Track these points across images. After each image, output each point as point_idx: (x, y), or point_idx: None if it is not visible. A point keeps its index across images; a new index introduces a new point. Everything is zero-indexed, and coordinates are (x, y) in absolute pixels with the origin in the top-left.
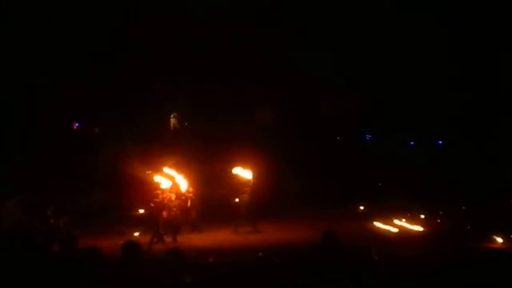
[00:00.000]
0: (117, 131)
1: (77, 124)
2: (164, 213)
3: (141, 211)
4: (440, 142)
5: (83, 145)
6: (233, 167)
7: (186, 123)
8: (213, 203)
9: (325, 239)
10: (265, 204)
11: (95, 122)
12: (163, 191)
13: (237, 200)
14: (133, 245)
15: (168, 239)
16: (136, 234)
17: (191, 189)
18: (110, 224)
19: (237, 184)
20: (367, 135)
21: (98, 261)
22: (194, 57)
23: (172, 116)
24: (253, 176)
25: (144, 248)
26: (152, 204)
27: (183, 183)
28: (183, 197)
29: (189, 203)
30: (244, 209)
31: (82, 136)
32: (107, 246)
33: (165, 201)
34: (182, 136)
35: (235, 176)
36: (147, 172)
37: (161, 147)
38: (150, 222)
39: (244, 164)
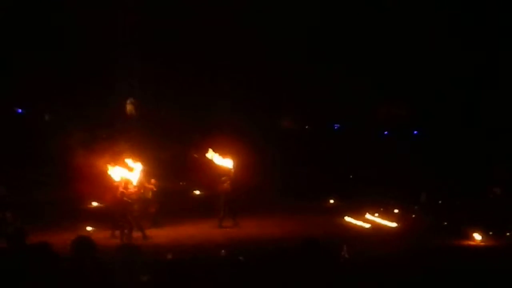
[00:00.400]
0: (68, 118)
1: (19, 111)
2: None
3: (95, 204)
4: (416, 132)
5: (31, 133)
6: (204, 156)
7: (143, 109)
8: (173, 196)
9: (305, 246)
10: (245, 196)
11: (43, 108)
12: (124, 182)
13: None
14: (85, 241)
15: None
16: (89, 229)
17: (153, 181)
18: (61, 218)
19: (214, 174)
20: (335, 124)
21: (48, 258)
22: (153, 34)
23: (128, 101)
24: (234, 165)
25: (96, 244)
26: (125, 198)
27: (142, 174)
28: (143, 189)
29: (150, 195)
30: (223, 201)
31: (30, 123)
32: (58, 241)
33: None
34: (139, 123)
35: (211, 164)
36: (108, 163)
37: (116, 135)
38: (114, 217)
39: (223, 152)
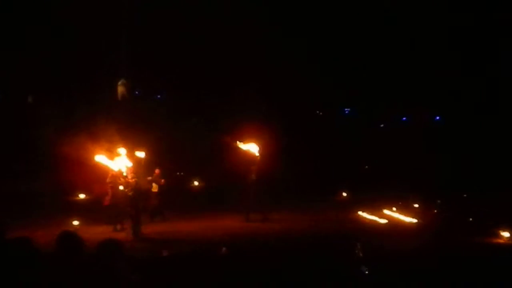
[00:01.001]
0: (55, 104)
1: None
2: (107, 199)
3: (82, 196)
4: (438, 117)
5: (14, 120)
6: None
7: (136, 92)
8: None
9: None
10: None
11: (27, 92)
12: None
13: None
14: (70, 236)
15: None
16: (75, 223)
17: (157, 171)
18: (46, 211)
19: (241, 161)
20: (346, 109)
21: (30, 254)
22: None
23: (119, 83)
24: (259, 152)
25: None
26: (127, 191)
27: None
28: (144, 181)
29: (153, 187)
30: (252, 193)
31: (13, 109)
32: (42, 236)
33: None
34: (131, 107)
35: (239, 150)
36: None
37: (108, 120)
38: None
39: (248, 137)
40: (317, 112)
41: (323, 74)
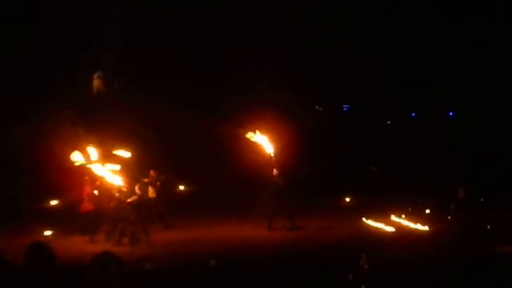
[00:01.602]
0: (23, 100)
1: None
2: (87, 205)
3: (54, 202)
4: (452, 113)
5: None
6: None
7: (115, 85)
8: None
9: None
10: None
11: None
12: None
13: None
14: (41, 248)
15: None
16: (48, 233)
17: (152, 173)
18: (15, 219)
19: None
20: (344, 106)
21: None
22: None
23: (95, 76)
24: (275, 151)
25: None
26: (132, 201)
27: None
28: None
29: (151, 193)
30: (275, 196)
31: None
32: (10, 247)
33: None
34: (109, 103)
35: (258, 148)
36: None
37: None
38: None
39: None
40: (316, 107)
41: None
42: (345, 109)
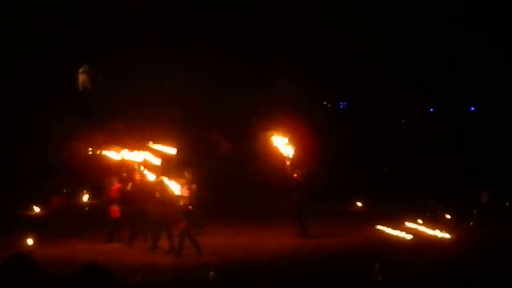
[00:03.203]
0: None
1: None
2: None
3: (37, 209)
4: (473, 108)
5: None
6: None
7: (101, 80)
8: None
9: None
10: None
11: None
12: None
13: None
14: (22, 259)
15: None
16: (30, 242)
17: (187, 174)
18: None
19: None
20: (341, 103)
21: None
22: None
23: (80, 70)
24: (295, 153)
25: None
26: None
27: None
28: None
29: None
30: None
31: None
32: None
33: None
34: (96, 99)
35: (274, 151)
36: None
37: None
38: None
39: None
40: (324, 103)
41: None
42: (342, 106)
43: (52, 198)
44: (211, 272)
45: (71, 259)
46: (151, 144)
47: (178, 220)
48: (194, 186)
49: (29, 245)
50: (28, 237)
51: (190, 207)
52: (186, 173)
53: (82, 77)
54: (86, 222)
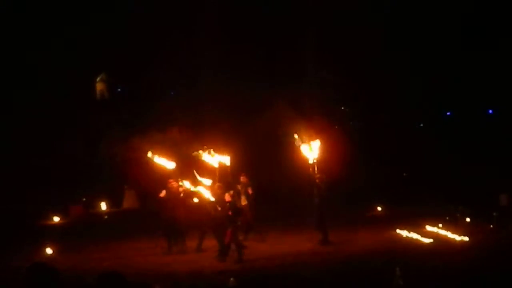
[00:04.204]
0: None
1: None
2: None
3: (56, 219)
4: (491, 111)
5: None
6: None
7: (119, 88)
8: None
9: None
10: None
11: None
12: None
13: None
14: (43, 268)
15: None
16: (49, 251)
17: (243, 178)
18: (14, 238)
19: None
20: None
21: None
22: None
23: (98, 78)
24: (319, 153)
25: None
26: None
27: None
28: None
29: (243, 200)
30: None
31: None
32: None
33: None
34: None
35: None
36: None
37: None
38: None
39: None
40: (342, 108)
41: None
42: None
43: (71, 207)
44: (231, 279)
45: (91, 268)
46: (204, 152)
47: (224, 225)
48: (250, 190)
49: (48, 254)
50: (47, 246)
51: (230, 212)
52: (242, 178)
53: (99, 86)
54: (105, 231)
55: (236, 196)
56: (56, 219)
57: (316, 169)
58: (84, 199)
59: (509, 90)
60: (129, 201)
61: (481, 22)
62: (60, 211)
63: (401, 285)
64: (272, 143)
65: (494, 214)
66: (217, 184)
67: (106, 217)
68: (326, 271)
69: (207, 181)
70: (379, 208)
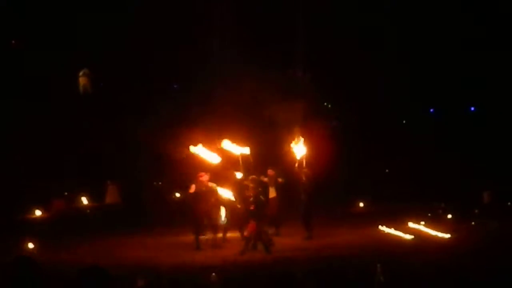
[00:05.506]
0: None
1: None
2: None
3: (38, 213)
4: (473, 108)
5: None
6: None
7: (101, 83)
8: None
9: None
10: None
11: None
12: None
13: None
14: (26, 262)
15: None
16: (31, 246)
17: (270, 171)
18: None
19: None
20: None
21: None
22: None
23: (81, 73)
24: (306, 153)
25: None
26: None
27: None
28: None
29: (271, 193)
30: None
31: None
32: None
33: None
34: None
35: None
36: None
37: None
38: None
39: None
40: (325, 104)
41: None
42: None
43: (53, 201)
44: (213, 274)
45: (73, 262)
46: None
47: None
48: (280, 181)
49: (30, 249)
50: (29, 241)
51: (252, 207)
52: (269, 171)
53: (82, 80)
54: (88, 225)
55: (262, 190)
56: (38, 213)
57: (302, 165)
58: (66, 193)
59: (491, 88)
60: (111, 197)
61: (465, 20)
62: (42, 205)
63: (382, 281)
64: (276, 138)
65: (476, 211)
66: (251, 176)
67: (88, 211)
68: (307, 267)
69: (238, 174)
70: (361, 205)
